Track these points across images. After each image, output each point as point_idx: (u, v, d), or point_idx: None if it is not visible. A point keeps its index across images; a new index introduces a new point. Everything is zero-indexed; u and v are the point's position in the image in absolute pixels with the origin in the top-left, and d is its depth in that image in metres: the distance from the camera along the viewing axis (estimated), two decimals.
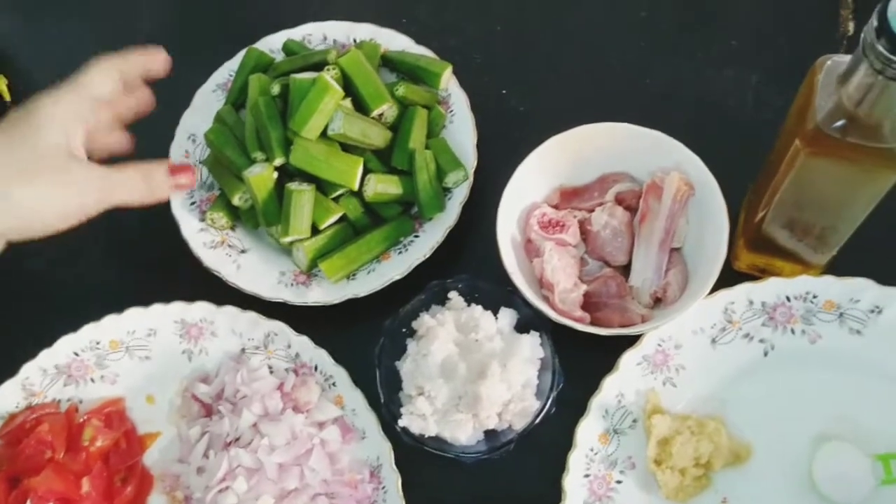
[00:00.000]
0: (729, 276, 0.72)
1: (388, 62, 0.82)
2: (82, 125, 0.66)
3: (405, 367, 0.70)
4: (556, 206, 0.76)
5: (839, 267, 0.72)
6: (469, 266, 0.76)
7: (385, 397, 0.69)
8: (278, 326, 0.73)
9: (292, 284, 0.75)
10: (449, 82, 0.80)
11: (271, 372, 0.73)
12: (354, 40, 0.83)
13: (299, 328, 0.74)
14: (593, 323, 0.71)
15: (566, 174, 0.76)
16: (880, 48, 0.49)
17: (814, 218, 0.65)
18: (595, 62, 0.86)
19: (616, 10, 0.88)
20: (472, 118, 0.78)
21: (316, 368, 0.73)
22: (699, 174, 0.72)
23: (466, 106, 0.79)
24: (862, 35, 0.50)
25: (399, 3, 0.91)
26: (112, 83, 0.69)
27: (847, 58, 0.55)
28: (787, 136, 0.60)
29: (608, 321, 0.72)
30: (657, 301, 0.73)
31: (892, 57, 0.49)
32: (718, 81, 0.84)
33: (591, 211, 0.75)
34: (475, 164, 0.77)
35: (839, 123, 0.55)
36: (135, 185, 0.68)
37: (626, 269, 0.74)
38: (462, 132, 0.78)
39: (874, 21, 0.49)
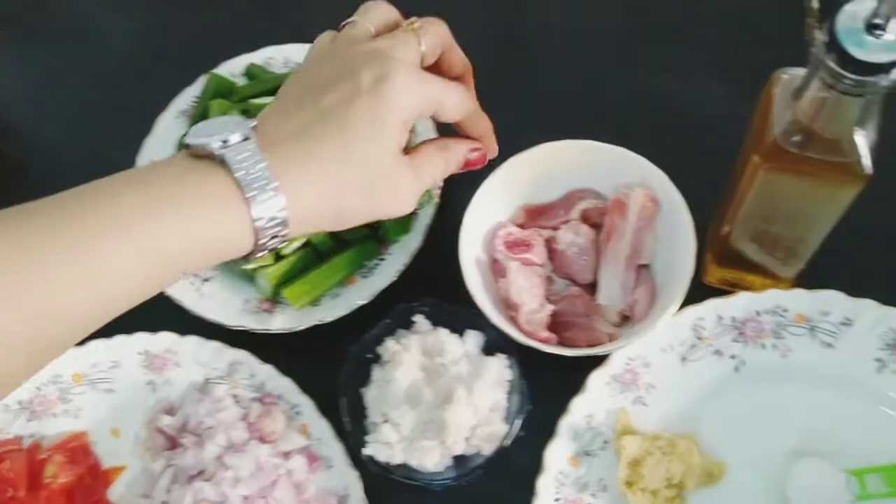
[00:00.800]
0: (699, 292, 0.71)
1: None
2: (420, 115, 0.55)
3: (370, 394, 0.69)
4: (521, 225, 0.75)
5: (809, 280, 0.71)
6: (436, 289, 0.75)
7: (351, 426, 0.68)
8: (242, 355, 0.72)
9: (256, 312, 0.74)
10: None
11: (237, 402, 0.72)
12: None
13: (265, 356, 0.73)
14: (561, 343, 0.70)
15: (531, 192, 0.75)
16: (831, 63, 0.48)
17: (779, 231, 0.64)
18: (558, 77, 0.86)
19: (578, 23, 0.88)
20: (436, 135, 0.77)
21: (281, 397, 0.71)
22: (665, 189, 0.71)
23: (431, 126, 0.78)
24: (813, 50, 0.50)
25: None
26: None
27: (802, 71, 0.54)
28: (746, 151, 0.59)
29: (575, 341, 0.71)
30: (625, 319, 0.72)
31: (842, 72, 0.48)
32: (685, 94, 0.83)
33: (557, 229, 0.74)
34: (441, 185, 0.76)
35: (797, 138, 0.54)
36: (437, 173, 0.58)
37: (593, 288, 0.74)
38: None
39: (824, 36, 0.48)
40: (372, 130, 0.51)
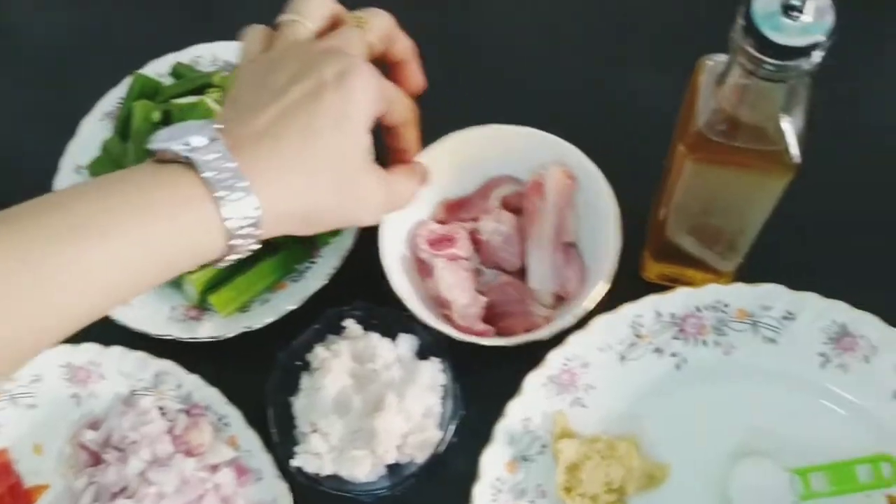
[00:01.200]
0: (638, 288, 0.69)
1: None
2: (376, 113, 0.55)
3: (298, 402, 0.67)
4: (442, 221, 0.73)
5: (750, 273, 0.69)
6: (370, 291, 0.72)
7: (279, 436, 0.65)
8: (168, 365, 0.69)
9: (183, 320, 0.72)
10: None
11: (163, 414, 0.69)
12: None
13: (192, 365, 0.70)
14: (498, 333, 0.68)
15: (448, 186, 0.73)
16: (749, 48, 0.46)
17: (714, 223, 0.62)
18: (495, 69, 0.83)
19: (514, 13, 0.85)
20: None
21: (209, 408, 0.69)
22: (580, 164, 0.70)
23: None
24: (731, 35, 0.47)
25: None
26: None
27: (726, 57, 0.52)
28: (675, 142, 0.57)
29: (513, 329, 0.68)
30: (559, 300, 0.70)
31: (762, 57, 0.46)
32: (626, 83, 0.81)
33: (479, 220, 0.72)
34: None
35: (722, 127, 0.52)
36: (406, 192, 0.62)
37: (523, 274, 0.72)
38: None
39: (741, 20, 0.46)
40: (338, 125, 0.51)
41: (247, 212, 0.47)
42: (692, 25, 0.81)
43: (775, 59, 0.46)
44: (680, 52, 0.79)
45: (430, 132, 0.72)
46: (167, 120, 0.72)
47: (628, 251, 0.71)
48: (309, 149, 0.50)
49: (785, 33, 0.45)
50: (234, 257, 0.50)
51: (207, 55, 0.80)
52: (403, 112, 0.60)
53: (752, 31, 0.45)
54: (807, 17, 0.45)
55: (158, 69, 0.80)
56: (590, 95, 0.81)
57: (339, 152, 0.51)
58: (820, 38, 0.45)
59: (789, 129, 0.51)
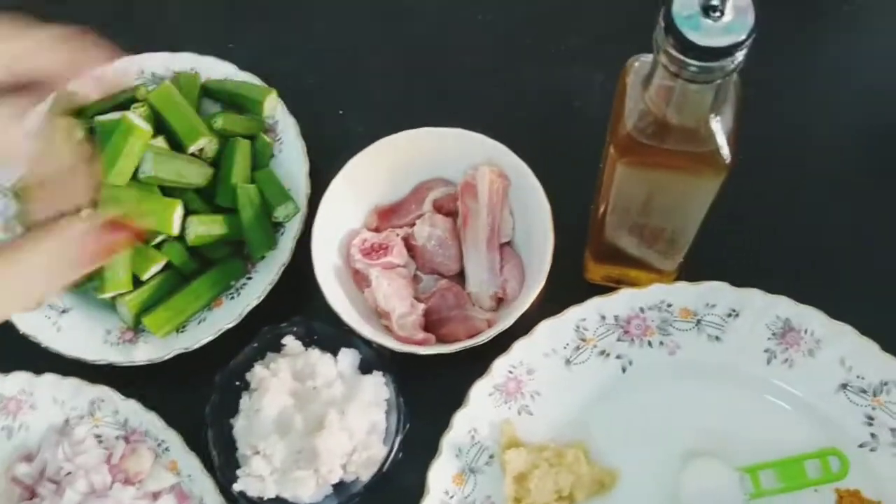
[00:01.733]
0: (582, 290, 0.68)
1: (209, 93, 0.76)
2: None
3: (238, 424, 0.65)
4: (375, 229, 0.71)
5: (693, 272, 0.68)
6: (310, 306, 0.70)
7: (219, 460, 0.64)
8: (103, 391, 0.67)
9: (118, 343, 0.69)
10: (275, 108, 0.75)
11: (100, 442, 0.67)
12: (174, 72, 0.77)
13: (129, 390, 0.68)
14: (440, 340, 0.67)
15: (379, 193, 0.72)
16: (671, 50, 0.45)
17: (652, 223, 0.61)
18: (435, 72, 0.82)
19: (453, 16, 0.84)
20: (303, 145, 0.73)
21: (147, 434, 0.67)
22: (510, 162, 0.69)
23: (296, 132, 0.74)
24: (654, 37, 0.46)
25: (226, 27, 0.85)
26: None
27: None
28: (607, 144, 0.56)
29: (454, 335, 0.67)
30: (500, 301, 0.69)
31: (684, 59, 0.45)
32: (564, 81, 0.80)
33: (413, 225, 0.71)
34: (308, 193, 0.71)
35: (651, 129, 0.51)
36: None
37: (462, 277, 0.70)
38: (292, 161, 0.73)
39: (661, 21, 0.45)
40: None
41: None
42: (630, 22, 0.80)
43: (698, 60, 0.44)
44: (617, 50, 0.78)
45: (360, 138, 0.70)
46: (92, 138, 0.70)
47: (572, 253, 0.71)
48: None
49: (706, 34, 0.44)
50: None
51: (133, 68, 0.78)
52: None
53: (672, 32, 0.44)
54: (727, 17, 0.44)
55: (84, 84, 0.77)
56: (526, 96, 0.80)
57: None
58: (741, 37, 0.44)
59: (719, 129, 0.50)
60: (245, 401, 0.65)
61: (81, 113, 0.75)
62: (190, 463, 0.65)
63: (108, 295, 0.68)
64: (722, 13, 0.44)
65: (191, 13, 0.86)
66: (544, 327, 0.66)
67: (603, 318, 0.67)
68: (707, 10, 0.44)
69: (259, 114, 0.74)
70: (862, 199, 0.73)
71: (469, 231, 0.69)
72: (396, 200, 0.73)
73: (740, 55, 0.45)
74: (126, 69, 0.76)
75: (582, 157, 0.67)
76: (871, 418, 0.63)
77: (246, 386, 0.66)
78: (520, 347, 0.66)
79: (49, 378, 0.68)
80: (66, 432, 0.67)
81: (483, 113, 0.78)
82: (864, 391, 0.64)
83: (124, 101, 0.73)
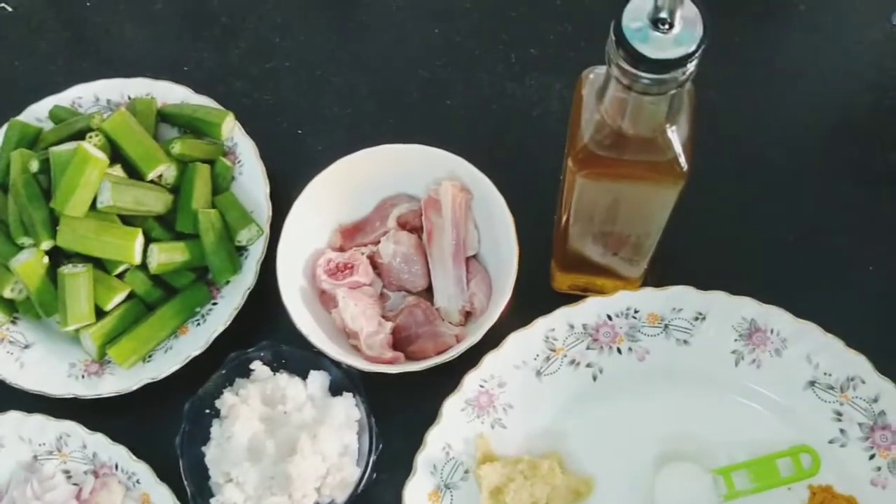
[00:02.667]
0: (550, 300, 0.68)
1: (166, 117, 0.75)
2: None
3: (210, 452, 0.64)
4: (340, 248, 0.71)
5: (659, 278, 0.68)
6: (277, 329, 0.70)
7: (192, 489, 0.63)
8: (70, 426, 0.66)
9: (83, 376, 0.68)
10: (233, 131, 0.74)
11: (69, 478, 0.66)
12: (129, 97, 0.76)
13: (97, 423, 0.67)
14: (409, 358, 0.67)
15: (343, 211, 0.72)
16: (623, 63, 0.45)
17: (614, 231, 0.61)
18: (393, 88, 0.81)
19: (407, 31, 0.84)
20: (262, 167, 0.72)
21: (117, 467, 0.66)
22: (471, 175, 0.69)
23: (255, 154, 0.73)
24: (606, 50, 0.46)
25: (180, 50, 0.84)
26: None
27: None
28: (566, 156, 0.56)
29: (423, 352, 0.67)
30: (468, 315, 0.69)
31: (636, 72, 0.45)
32: (521, 92, 0.80)
33: (378, 243, 0.70)
34: (270, 216, 0.71)
35: (607, 141, 0.51)
36: None
37: (429, 293, 0.70)
38: (253, 183, 0.72)
39: (612, 34, 0.45)
40: None
41: None
42: (585, 30, 0.81)
43: (649, 72, 0.45)
44: (574, 58, 0.79)
45: (320, 157, 0.70)
46: (46, 169, 0.69)
47: (539, 264, 0.71)
48: None
49: (656, 46, 0.44)
50: None
51: (88, 96, 0.77)
52: None
53: (623, 45, 0.44)
54: (676, 29, 0.44)
55: (38, 114, 0.76)
56: (485, 108, 0.80)
57: None
58: (691, 48, 0.44)
59: (675, 138, 0.51)
60: (216, 428, 0.65)
61: (36, 142, 0.74)
62: (162, 494, 0.64)
63: (71, 328, 0.67)
64: (671, 25, 0.44)
65: (144, 37, 0.85)
66: (513, 339, 0.66)
67: (571, 327, 0.67)
68: (656, 22, 0.44)
69: (217, 137, 0.74)
70: (820, 197, 0.74)
71: (434, 246, 0.69)
72: (360, 218, 0.72)
73: (691, 66, 0.45)
74: None
75: (544, 166, 0.68)
76: (839, 414, 0.64)
77: (216, 413, 0.65)
78: (490, 361, 0.66)
79: (14, 415, 0.67)
80: (34, 469, 0.66)
81: (443, 126, 0.78)
82: (831, 387, 0.64)
83: (79, 131, 0.72)
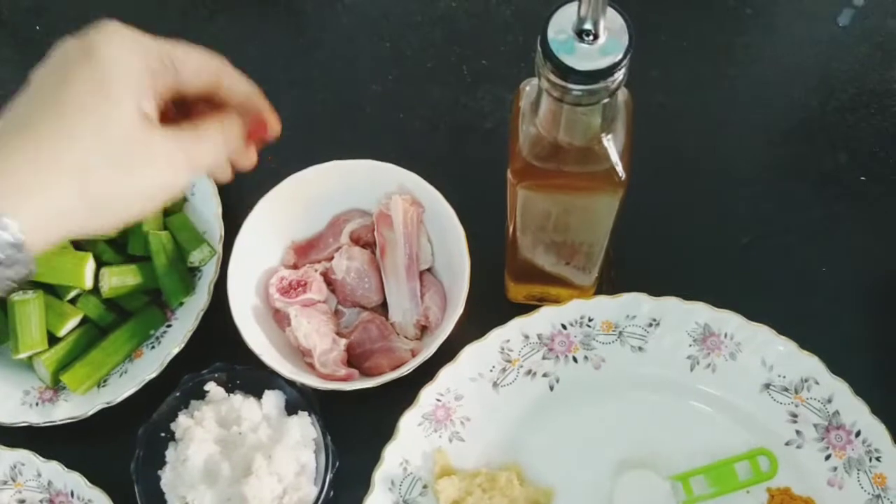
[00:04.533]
0: (505, 311, 0.68)
1: None
2: (156, 79, 0.48)
3: (165, 476, 0.63)
4: (294, 266, 0.71)
5: (613, 286, 0.69)
6: (233, 350, 0.69)
7: None
8: (23, 455, 0.66)
9: (37, 404, 0.68)
10: None
11: None
12: None
13: (51, 451, 0.66)
14: (365, 374, 0.67)
15: (295, 229, 0.72)
16: (551, 76, 0.45)
17: (560, 240, 0.61)
18: (345, 104, 0.81)
19: (358, 46, 0.83)
20: (214, 187, 0.72)
21: (73, 494, 0.65)
22: (421, 189, 0.69)
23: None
24: (535, 63, 0.46)
25: None
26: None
27: None
28: (507, 168, 0.56)
29: (378, 368, 0.67)
30: (423, 329, 0.69)
31: (565, 84, 0.45)
32: (474, 104, 0.80)
33: (331, 259, 0.70)
34: (222, 235, 0.70)
35: (544, 152, 0.51)
36: (218, 148, 0.51)
37: (384, 308, 0.70)
38: (204, 204, 0.72)
39: (538, 47, 0.45)
40: (94, 98, 0.45)
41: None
42: (534, 41, 0.81)
43: (578, 84, 0.45)
44: (526, 69, 0.79)
45: (271, 175, 0.70)
46: None
47: (494, 275, 0.71)
48: (63, 130, 0.44)
49: (582, 58, 0.44)
50: (3, 286, 0.44)
51: None
52: (202, 69, 0.51)
53: (549, 58, 0.44)
54: (602, 40, 0.44)
55: None
56: (437, 120, 0.80)
57: (103, 125, 0.45)
58: (618, 57, 0.44)
59: (611, 147, 0.51)
60: (171, 452, 0.64)
61: None
62: None
63: (23, 355, 0.67)
64: (596, 36, 0.44)
65: None
66: (469, 352, 0.66)
67: (526, 337, 0.67)
68: (581, 34, 0.44)
69: None
70: (772, 199, 0.74)
71: (388, 261, 0.69)
72: (313, 235, 0.72)
73: (619, 75, 0.45)
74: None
75: (497, 176, 0.67)
76: (794, 416, 0.64)
77: (171, 436, 0.65)
78: (446, 374, 0.65)
79: None
80: None
81: (397, 140, 0.78)
82: (786, 389, 0.65)
83: None
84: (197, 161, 0.49)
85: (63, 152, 0.44)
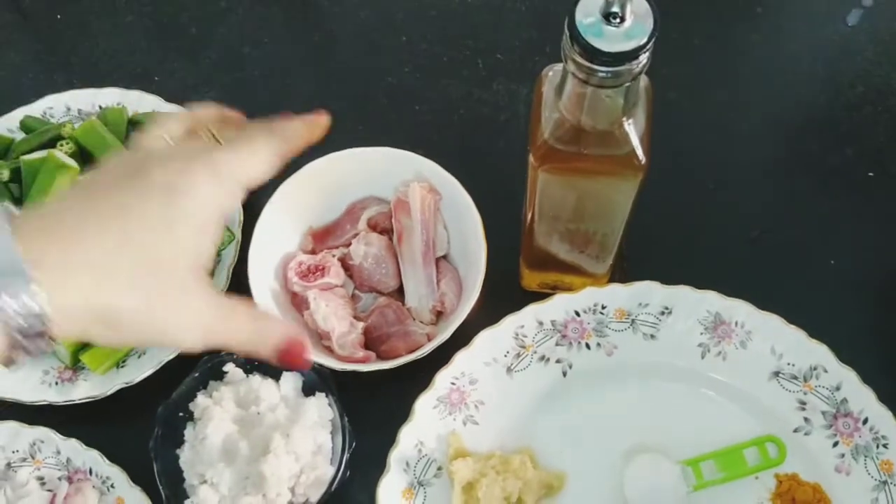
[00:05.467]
0: (520, 298, 0.69)
1: (137, 126, 0.76)
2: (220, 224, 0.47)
3: (184, 455, 0.64)
4: (312, 251, 0.72)
5: (626, 274, 0.70)
6: None
7: (167, 492, 0.63)
8: (43, 433, 0.66)
9: (57, 383, 0.69)
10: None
11: (42, 484, 0.66)
12: (100, 107, 0.77)
13: (70, 429, 0.67)
14: (381, 357, 0.68)
15: (313, 215, 0.73)
16: (578, 58, 0.46)
17: (579, 227, 0.62)
18: (361, 95, 0.83)
19: (375, 39, 0.85)
20: None
21: (91, 472, 0.66)
22: (439, 176, 0.70)
23: None
24: (562, 46, 0.48)
25: (150, 61, 0.85)
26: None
27: None
28: (528, 153, 0.58)
29: (395, 351, 0.68)
30: (439, 315, 0.70)
31: (591, 65, 0.46)
32: (488, 96, 0.81)
33: (349, 245, 0.71)
34: (241, 221, 0.72)
35: (567, 136, 0.53)
36: (243, 331, 0.48)
37: (400, 293, 0.71)
38: None
39: (566, 30, 0.46)
40: (156, 228, 0.44)
41: (25, 301, 0.40)
42: (549, 36, 0.83)
43: (604, 65, 0.46)
44: (539, 63, 0.80)
45: (291, 163, 0.70)
46: (17, 177, 0.69)
47: (508, 263, 0.72)
48: (113, 242, 0.43)
49: (609, 40, 0.45)
50: (21, 359, 0.42)
51: (59, 106, 0.78)
52: (261, 170, 0.50)
53: (577, 40, 0.46)
54: (628, 23, 0.45)
55: (9, 124, 0.77)
56: (452, 113, 0.81)
57: (154, 256, 0.44)
58: (643, 40, 0.45)
59: (632, 131, 0.52)
60: (189, 431, 0.65)
61: (8, 152, 0.74)
62: (136, 498, 0.65)
63: None
64: (622, 19, 0.45)
65: (115, 49, 0.86)
66: (483, 337, 0.67)
67: (540, 323, 0.68)
68: (608, 17, 0.45)
69: None
70: (781, 193, 0.76)
71: (405, 247, 0.70)
72: (331, 221, 0.73)
73: (644, 58, 0.46)
74: None
75: (512, 169, 0.69)
76: (803, 403, 0.65)
77: (190, 416, 0.66)
78: (461, 359, 0.66)
79: None
80: (7, 476, 0.66)
81: (412, 131, 0.79)
82: (795, 377, 0.66)
83: (49, 140, 0.72)
84: (220, 335, 0.47)
85: (100, 262, 0.42)
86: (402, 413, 0.66)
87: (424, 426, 0.66)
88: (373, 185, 0.72)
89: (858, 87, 0.79)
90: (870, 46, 0.81)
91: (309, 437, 0.64)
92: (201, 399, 0.65)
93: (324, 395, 0.65)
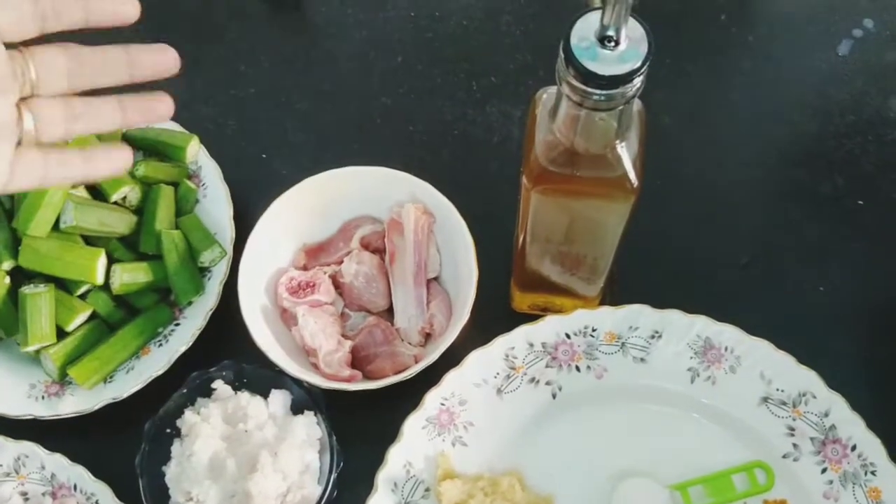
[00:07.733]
0: (510, 320, 0.69)
1: (130, 141, 0.76)
2: None
3: (170, 471, 0.64)
4: (304, 268, 0.72)
5: (617, 297, 0.70)
6: (240, 349, 0.70)
7: None
8: (28, 447, 0.66)
9: (43, 397, 0.68)
10: (197, 154, 0.75)
11: (26, 500, 0.65)
12: None
13: (56, 444, 0.66)
14: (367, 377, 0.68)
15: (306, 232, 0.73)
16: (573, 81, 0.47)
17: (570, 250, 0.63)
18: (356, 115, 0.83)
19: (370, 58, 0.85)
20: (226, 189, 0.73)
21: (76, 487, 0.65)
22: (433, 199, 0.70)
23: (219, 177, 0.74)
24: (556, 68, 0.48)
25: None
26: None
27: None
28: (521, 174, 0.58)
29: (381, 371, 0.68)
30: (427, 336, 0.70)
31: (586, 88, 0.47)
32: (482, 119, 0.82)
33: (341, 263, 0.71)
34: (233, 237, 0.72)
35: (560, 158, 0.53)
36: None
37: (390, 313, 0.71)
38: (216, 205, 0.73)
39: (561, 52, 0.47)
40: None
41: None
42: (542, 60, 0.83)
43: (598, 88, 0.46)
44: (533, 86, 0.81)
45: (284, 181, 0.71)
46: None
47: (499, 284, 0.72)
48: None
49: (603, 63, 0.46)
50: None
51: None
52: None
53: (572, 63, 0.46)
54: (622, 47, 0.46)
55: None
56: (446, 134, 0.82)
57: None
58: (637, 64, 0.46)
59: (625, 154, 0.52)
60: (177, 447, 0.65)
61: None
62: None
63: (31, 348, 0.67)
64: (617, 43, 0.46)
65: None
66: (474, 358, 0.67)
67: (531, 345, 0.68)
68: (603, 40, 0.46)
69: (182, 160, 0.74)
70: (772, 219, 0.76)
71: (396, 267, 0.70)
72: (324, 239, 0.73)
73: (638, 81, 0.47)
74: None
75: (504, 191, 0.69)
76: (792, 429, 0.65)
77: (177, 432, 0.65)
78: (451, 379, 0.66)
79: None
80: None
81: (406, 151, 0.80)
82: (784, 403, 0.66)
83: None
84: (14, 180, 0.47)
85: None
86: (390, 433, 0.65)
87: (413, 446, 0.65)
88: (368, 204, 0.73)
89: (849, 116, 0.80)
90: (860, 76, 0.82)
91: (297, 455, 0.63)
92: (189, 415, 0.65)
93: (312, 413, 0.65)
